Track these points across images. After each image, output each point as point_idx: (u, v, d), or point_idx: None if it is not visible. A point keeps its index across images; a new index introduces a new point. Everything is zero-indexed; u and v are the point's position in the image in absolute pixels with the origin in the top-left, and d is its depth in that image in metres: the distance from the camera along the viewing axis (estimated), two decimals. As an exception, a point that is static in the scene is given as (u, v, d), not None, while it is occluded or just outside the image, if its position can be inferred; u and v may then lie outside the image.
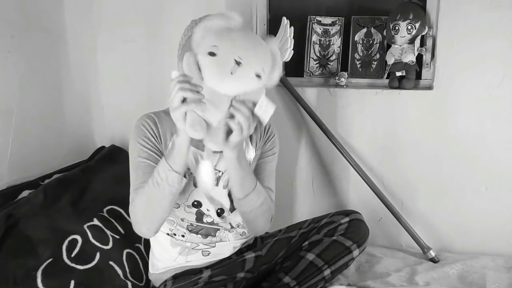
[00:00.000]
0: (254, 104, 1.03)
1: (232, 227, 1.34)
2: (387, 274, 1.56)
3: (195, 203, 1.27)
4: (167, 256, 1.33)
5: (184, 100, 0.98)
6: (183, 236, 1.31)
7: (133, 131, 1.24)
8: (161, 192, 1.11)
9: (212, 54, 0.99)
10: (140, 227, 1.20)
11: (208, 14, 1.08)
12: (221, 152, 1.17)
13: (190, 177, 1.24)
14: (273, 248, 1.39)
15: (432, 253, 1.68)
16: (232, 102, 1.02)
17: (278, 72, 1.08)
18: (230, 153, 1.11)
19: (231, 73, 0.98)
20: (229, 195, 1.29)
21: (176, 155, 1.09)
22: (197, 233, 1.31)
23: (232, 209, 1.31)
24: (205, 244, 1.33)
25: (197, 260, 1.33)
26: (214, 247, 1.34)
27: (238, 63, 0.99)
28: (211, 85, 1.01)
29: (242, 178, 1.17)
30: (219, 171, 1.27)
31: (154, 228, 1.20)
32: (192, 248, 1.32)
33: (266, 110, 1.03)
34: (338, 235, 1.35)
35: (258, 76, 1.01)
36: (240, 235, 1.37)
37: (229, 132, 1.04)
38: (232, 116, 1.02)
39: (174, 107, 0.99)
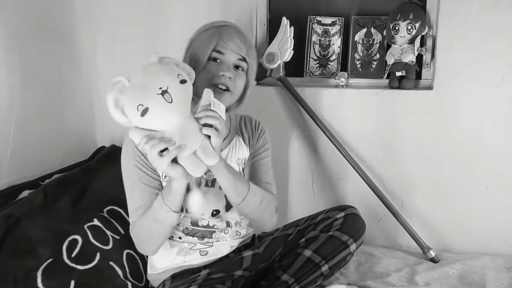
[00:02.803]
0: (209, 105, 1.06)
1: (228, 225, 1.34)
2: (387, 274, 1.56)
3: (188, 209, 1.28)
4: (165, 256, 1.34)
5: (161, 153, 1.01)
6: (180, 238, 1.32)
7: (124, 150, 1.28)
8: (161, 227, 1.19)
9: (144, 111, 0.99)
10: (144, 250, 1.30)
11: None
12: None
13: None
14: (270, 246, 1.40)
15: (432, 253, 1.69)
16: (195, 116, 1.04)
17: (189, 68, 1.09)
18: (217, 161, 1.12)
19: (171, 102, 0.99)
20: (225, 195, 1.30)
21: (174, 198, 1.13)
22: (193, 236, 1.32)
23: (228, 207, 1.32)
24: (202, 244, 1.34)
25: (195, 259, 1.34)
26: (211, 246, 1.34)
27: (164, 91, 0.99)
28: (169, 125, 1.02)
29: (235, 183, 1.19)
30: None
31: (156, 249, 1.28)
32: (190, 248, 1.33)
33: (219, 107, 1.07)
34: (334, 230, 1.35)
35: (183, 81, 1.02)
36: (236, 234, 1.38)
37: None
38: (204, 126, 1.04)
39: (157, 164, 1.02)
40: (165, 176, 1.27)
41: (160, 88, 0.99)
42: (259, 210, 1.25)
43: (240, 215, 1.37)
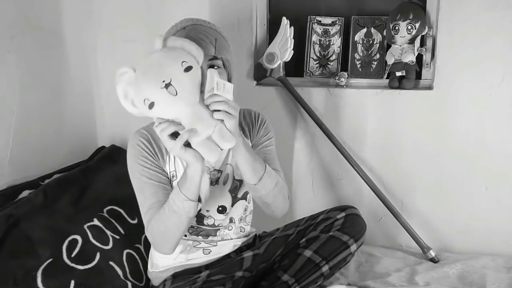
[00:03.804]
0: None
1: (231, 221, 1.35)
2: (387, 274, 1.56)
3: None
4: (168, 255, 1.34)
5: (174, 138, 1.02)
6: (185, 236, 1.32)
7: (130, 152, 1.25)
8: (178, 219, 1.14)
9: (151, 105, 1.01)
10: (161, 249, 1.26)
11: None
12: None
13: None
14: (271, 246, 1.39)
15: (432, 253, 1.69)
16: (204, 103, 1.04)
17: (196, 49, 1.06)
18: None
19: (175, 94, 0.99)
20: (230, 191, 1.31)
21: (190, 185, 1.11)
22: (197, 235, 1.33)
23: (234, 203, 1.32)
24: (206, 243, 1.34)
25: (197, 258, 1.34)
26: (215, 245, 1.35)
27: (168, 84, 0.99)
28: (178, 114, 1.02)
29: (253, 162, 1.18)
30: (219, 171, 1.28)
31: (174, 246, 1.24)
32: (194, 246, 1.33)
33: (225, 88, 1.06)
34: (335, 230, 1.35)
35: (188, 69, 1.01)
36: (240, 230, 1.38)
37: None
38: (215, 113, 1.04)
39: (170, 147, 1.03)
40: (172, 176, 1.26)
41: (164, 82, 0.99)
42: (274, 192, 1.24)
43: (245, 210, 1.37)
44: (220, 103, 1.03)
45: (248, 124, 1.37)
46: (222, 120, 1.03)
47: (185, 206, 1.12)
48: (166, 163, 1.26)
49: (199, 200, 1.15)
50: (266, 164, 1.23)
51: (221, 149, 1.05)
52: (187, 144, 1.03)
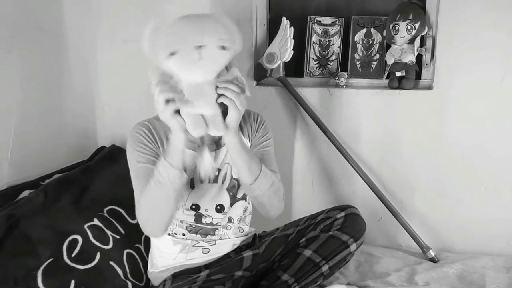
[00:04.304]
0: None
1: (230, 221, 1.35)
2: (387, 274, 1.56)
3: (193, 206, 1.29)
4: (167, 254, 1.34)
5: (168, 102, 1.02)
6: (183, 234, 1.32)
7: (129, 140, 1.26)
8: (164, 191, 1.13)
9: (172, 53, 1.00)
10: (148, 228, 1.23)
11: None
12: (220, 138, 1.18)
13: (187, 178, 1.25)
14: (271, 246, 1.40)
15: (431, 253, 1.69)
16: (217, 84, 1.04)
17: (238, 36, 1.08)
18: (232, 137, 1.13)
19: (199, 60, 1.00)
20: (228, 190, 1.31)
21: (173, 153, 1.11)
22: (196, 233, 1.33)
23: (232, 203, 1.32)
24: (205, 242, 1.34)
25: (197, 258, 1.34)
26: (214, 244, 1.35)
27: (199, 47, 0.99)
28: (189, 79, 1.02)
29: (249, 161, 1.18)
30: (217, 169, 1.28)
31: (162, 227, 1.21)
32: (192, 246, 1.33)
33: (243, 83, 1.07)
34: (335, 230, 1.36)
35: (223, 47, 1.02)
36: (239, 231, 1.38)
37: (224, 114, 1.07)
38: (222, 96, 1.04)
39: (160, 110, 1.03)
40: None
41: (198, 44, 0.99)
42: (269, 192, 1.24)
43: (245, 210, 1.37)
44: (232, 92, 1.04)
45: (247, 124, 1.37)
46: (221, 107, 1.04)
47: (169, 175, 1.11)
48: (165, 149, 1.25)
49: (185, 171, 1.14)
50: (263, 164, 1.23)
51: (207, 131, 1.05)
52: (177, 111, 1.03)
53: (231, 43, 1.04)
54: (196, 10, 1.80)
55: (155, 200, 1.16)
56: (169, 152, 1.11)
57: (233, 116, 1.06)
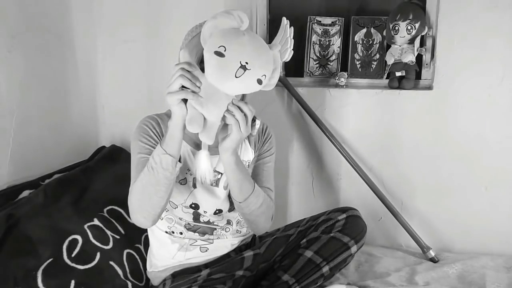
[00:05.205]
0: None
1: (228, 223, 1.35)
2: (387, 274, 1.56)
3: (193, 205, 1.28)
4: (166, 254, 1.34)
5: (182, 88, 1.01)
6: (181, 233, 1.32)
7: (135, 131, 1.25)
8: (155, 177, 1.11)
9: (219, 54, 1.00)
10: (137, 216, 1.19)
11: (219, 12, 1.08)
12: (216, 147, 1.18)
13: (189, 177, 1.26)
14: (272, 246, 1.40)
15: (431, 253, 1.69)
16: (232, 101, 1.05)
17: (277, 78, 1.10)
18: (229, 157, 1.13)
19: (236, 76, 1.00)
20: (229, 196, 1.30)
21: (169, 139, 1.09)
22: (194, 232, 1.32)
23: (231, 209, 1.32)
24: (203, 240, 1.34)
25: (196, 257, 1.34)
26: (212, 243, 1.35)
27: (243, 67, 1.00)
28: (213, 83, 1.02)
29: (241, 181, 1.19)
30: (219, 173, 1.28)
31: (151, 217, 1.18)
32: (190, 245, 1.33)
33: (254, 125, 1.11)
34: (336, 231, 1.36)
35: (260, 81, 1.03)
36: (237, 232, 1.38)
37: (223, 129, 1.09)
38: (230, 113, 1.04)
39: (171, 91, 1.01)
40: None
41: (245, 62, 1.00)
42: (257, 212, 1.25)
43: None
44: (241, 114, 1.04)
45: (255, 134, 1.36)
46: (223, 122, 1.05)
47: (162, 161, 1.09)
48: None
49: (180, 160, 1.14)
50: (256, 184, 1.23)
51: (199, 132, 1.05)
52: (184, 100, 1.03)
53: (267, 81, 1.06)
54: (195, 11, 1.81)
55: (146, 187, 1.13)
56: (166, 139, 1.10)
57: (235, 137, 1.07)
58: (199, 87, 1.02)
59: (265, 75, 1.04)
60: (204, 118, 1.04)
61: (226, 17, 1.03)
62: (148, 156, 1.19)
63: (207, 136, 1.06)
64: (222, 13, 1.03)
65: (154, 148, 1.20)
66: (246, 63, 1.00)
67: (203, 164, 1.11)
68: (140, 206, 1.17)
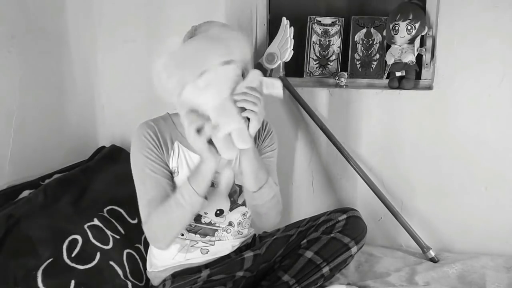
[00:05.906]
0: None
1: (230, 224, 1.35)
2: (387, 274, 1.56)
3: None
4: (166, 254, 1.34)
5: (199, 131, 1.04)
6: (182, 234, 1.32)
7: (135, 142, 1.25)
8: (182, 213, 1.16)
9: (182, 87, 1.02)
10: (159, 244, 1.26)
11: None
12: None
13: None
14: (272, 247, 1.40)
15: (431, 253, 1.69)
16: (234, 98, 1.04)
17: (240, 44, 1.08)
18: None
19: (206, 86, 1.01)
20: (229, 195, 1.30)
21: (201, 181, 1.13)
22: (195, 233, 1.32)
23: (232, 208, 1.32)
24: (204, 242, 1.34)
25: (196, 258, 1.34)
26: (213, 245, 1.35)
27: (202, 73, 1.01)
28: (207, 104, 1.03)
29: (257, 170, 1.19)
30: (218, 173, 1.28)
31: (171, 242, 1.25)
32: (191, 246, 1.33)
33: (274, 85, 1.07)
34: (336, 232, 1.36)
35: (226, 62, 1.03)
36: (238, 233, 1.38)
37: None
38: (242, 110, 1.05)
39: (192, 141, 1.06)
40: (174, 171, 1.26)
41: (200, 72, 1.01)
42: (269, 204, 1.25)
43: (244, 215, 1.37)
44: (250, 102, 1.05)
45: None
46: (246, 121, 1.05)
47: (192, 200, 1.13)
48: (170, 157, 1.26)
49: (206, 198, 1.16)
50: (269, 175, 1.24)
51: (237, 147, 1.06)
52: (209, 141, 1.04)
53: (232, 55, 1.04)
54: (195, 11, 1.81)
55: (171, 220, 1.18)
56: (197, 180, 1.13)
57: (255, 126, 1.08)
58: (209, 119, 1.03)
59: (221, 55, 1.02)
60: (230, 136, 1.05)
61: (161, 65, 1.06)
62: (153, 173, 1.22)
63: (244, 141, 1.06)
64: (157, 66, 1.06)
65: (157, 163, 1.23)
66: (200, 69, 1.01)
67: (228, 180, 1.16)
68: (164, 236, 1.22)
